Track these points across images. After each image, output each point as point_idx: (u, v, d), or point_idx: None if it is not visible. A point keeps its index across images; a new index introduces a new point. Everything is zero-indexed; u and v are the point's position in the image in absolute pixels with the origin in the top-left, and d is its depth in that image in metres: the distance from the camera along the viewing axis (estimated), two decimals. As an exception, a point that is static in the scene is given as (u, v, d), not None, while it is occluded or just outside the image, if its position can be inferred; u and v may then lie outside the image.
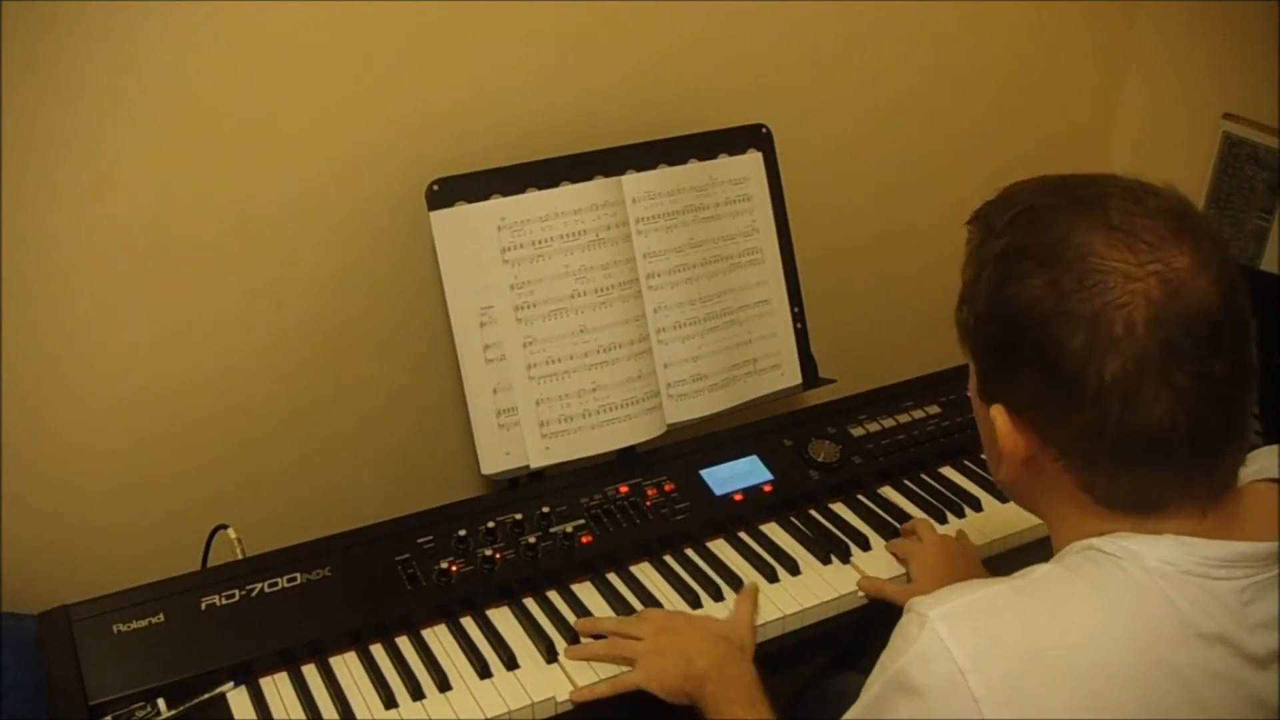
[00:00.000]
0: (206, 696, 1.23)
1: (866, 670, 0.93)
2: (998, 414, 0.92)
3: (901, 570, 1.43)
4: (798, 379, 1.70)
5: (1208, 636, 0.85)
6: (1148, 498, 0.89)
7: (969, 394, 1.00)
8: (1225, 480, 0.90)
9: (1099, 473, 0.89)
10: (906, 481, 1.61)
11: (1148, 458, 0.87)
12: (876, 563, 1.45)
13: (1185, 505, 0.88)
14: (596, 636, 1.33)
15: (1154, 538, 0.87)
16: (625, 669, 1.28)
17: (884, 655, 0.90)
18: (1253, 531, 0.89)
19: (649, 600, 1.38)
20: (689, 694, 1.23)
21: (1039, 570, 0.90)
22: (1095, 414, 0.86)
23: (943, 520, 1.53)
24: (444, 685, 1.26)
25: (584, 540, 1.43)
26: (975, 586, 0.89)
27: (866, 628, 1.41)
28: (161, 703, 1.20)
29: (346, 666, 1.29)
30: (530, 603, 1.38)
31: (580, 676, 1.28)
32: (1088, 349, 0.84)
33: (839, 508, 1.56)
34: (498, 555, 1.39)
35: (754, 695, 1.21)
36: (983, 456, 1.15)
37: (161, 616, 1.28)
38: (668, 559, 1.46)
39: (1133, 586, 0.85)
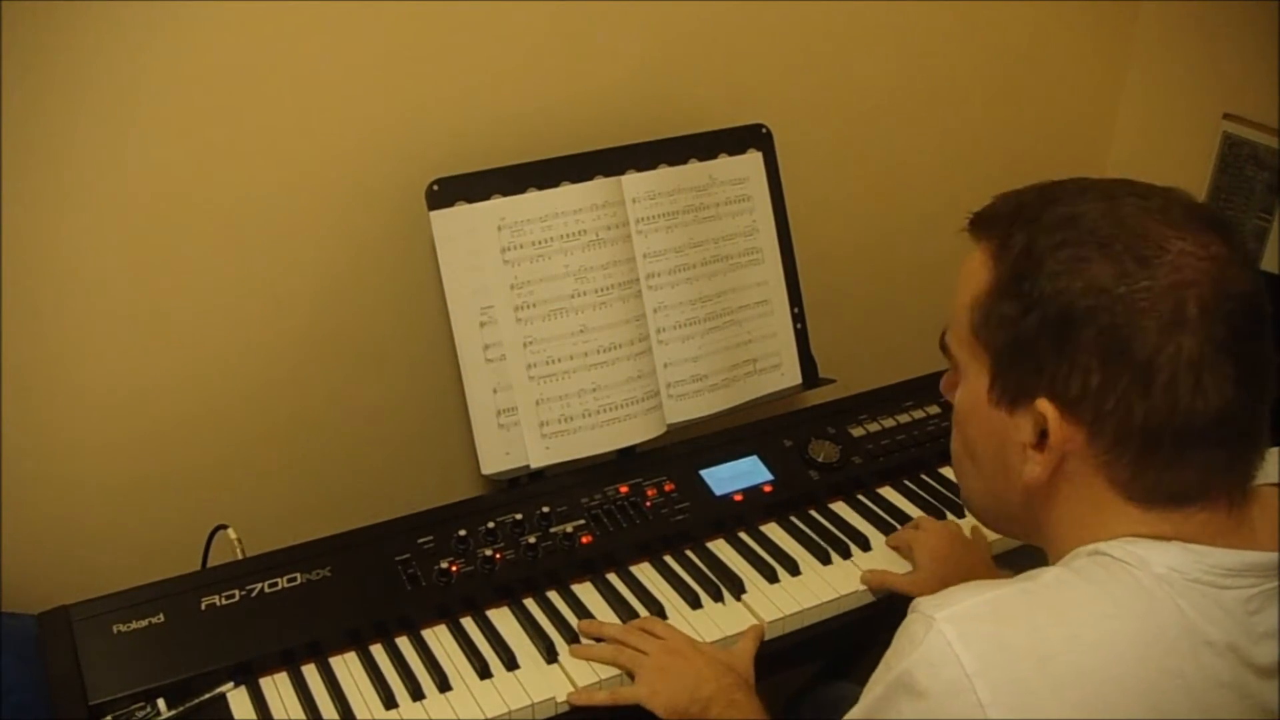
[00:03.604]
0: (206, 696, 1.23)
1: (863, 679, 0.92)
2: (1046, 408, 0.87)
3: (907, 566, 1.43)
4: (798, 379, 1.70)
5: (1215, 645, 0.83)
6: (1187, 488, 0.86)
7: (967, 404, 0.96)
8: (1254, 473, 0.89)
9: (1148, 463, 0.86)
10: (906, 481, 1.61)
11: (1206, 441, 0.84)
12: (877, 563, 1.44)
13: (1219, 498, 0.87)
14: (597, 640, 1.32)
15: (1163, 544, 0.85)
16: (624, 677, 1.27)
17: (888, 655, 0.88)
18: (1261, 538, 0.88)
19: (649, 600, 1.38)
20: (693, 716, 1.22)
21: (1047, 574, 0.88)
22: (1166, 399, 0.83)
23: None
24: (444, 685, 1.26)
25: (584, 540, 1.43)
26: (981, 588, 0.87)
27: (864, 634, 1.41)
28: (161, 703, 1.20)
29: (346, 666, 1.29)
30: (530, 603, 1.38)
31: (581, 678, 1.28)
32: (1163, 330, 0.82)
33: (839, 508, 1.56)
34: (498, 555, 1.39)
35: None
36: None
37: (161, 616, 1.28)
38: (668, 559, 1.46)
39: (1141, 593, 0.84)
